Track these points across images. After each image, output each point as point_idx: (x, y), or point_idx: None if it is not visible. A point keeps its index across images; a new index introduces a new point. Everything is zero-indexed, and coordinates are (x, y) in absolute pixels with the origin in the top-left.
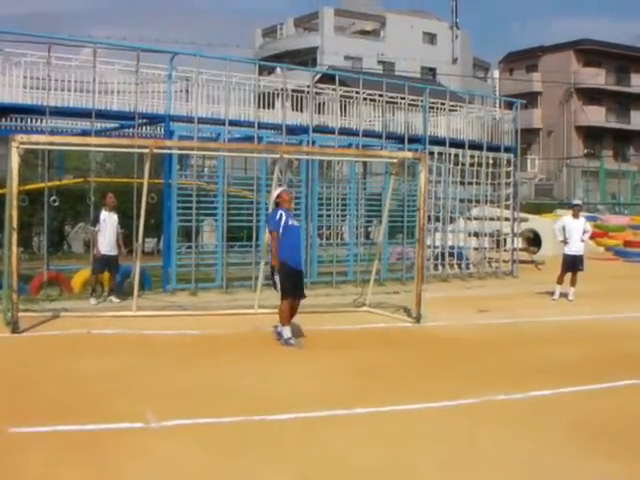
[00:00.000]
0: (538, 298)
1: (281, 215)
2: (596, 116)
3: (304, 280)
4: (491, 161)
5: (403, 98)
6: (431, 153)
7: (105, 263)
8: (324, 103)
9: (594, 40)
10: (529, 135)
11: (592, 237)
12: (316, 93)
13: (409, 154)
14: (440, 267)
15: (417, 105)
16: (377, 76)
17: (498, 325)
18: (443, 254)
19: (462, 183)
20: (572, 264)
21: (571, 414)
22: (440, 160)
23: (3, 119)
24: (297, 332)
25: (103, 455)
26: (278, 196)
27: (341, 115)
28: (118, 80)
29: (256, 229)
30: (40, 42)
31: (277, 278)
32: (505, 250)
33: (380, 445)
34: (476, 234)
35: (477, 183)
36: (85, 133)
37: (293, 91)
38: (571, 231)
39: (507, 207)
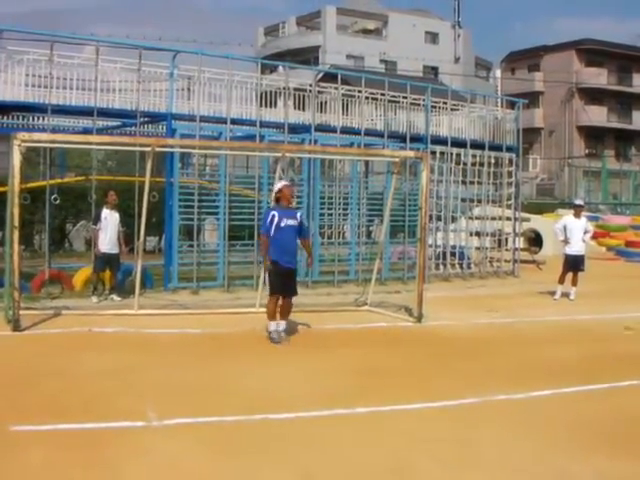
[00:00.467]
0: (539, 298)
1: (273, 216)
2: (598, 116)
3: (296, 278)
4: (493, 160)
5: (405, 97)
6: (433, 152)
7: (106, 261)
8: (326, 102)
9: (596, 40)
10: (531, 135)
11: (594, 237)
12: (318, 92)
13: (411, 153)
14: (441, 266)
15: (419, 104)
16: (379, 75)
17: (499, 325)
18: (444, 253)
19: (464, 182)
20: (573, 264)
21: (572, 414)
22: (442, 159)
23: (5, 117)
24: (291, 330)
25: (104, 454)
26: (279, 191)
27: (343, 114)
28: (120, 78)
29: (258, 228)
30: (42, 40)
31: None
32: (506, 250)
33: (381, 444)
34: (477, 234)
35: (479, 182)
36: (87, 131)
37: (295, 90)
38: (572, 231)
39: (509, 207)
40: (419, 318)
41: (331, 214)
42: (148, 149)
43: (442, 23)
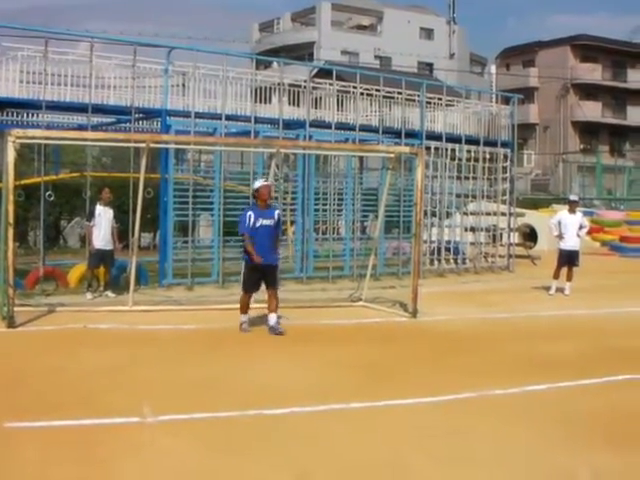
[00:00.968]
0: (534, 293)
1: (249, 217)
2: (592, 111)
3: (276, 272)
4: (488, 156)
5: (400, 93)
6: (428, 148)
7: (100, 258)
8: (321, 98)
9: (591, 35)
10: (525, 130)
11: (588, 232)
12: (313, 88)
13: (406, 149)
14: (436, 262)
15: (414, 100)
16: (374, 71)
17: (494, 320)
18: (439, 249)
19: (459, 178)
20: (568, 259)
21: (568, 408)
22: (437, 155)
23: None
24: (285, 326)
25: (99, 450)
26: (256, 190)
27: (338, 110)
28: (115, 74)
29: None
30: (37, 36)
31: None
32: (501, 245)
33: (376, 439)
34: (472, 229)
35: (474, 178)
36: (81, 128)
37: (290, 86)
38: (567, 226)
39: (503, 202)
40: (414, 313)
41: (326, 210)
42: (143, 145)
43: (437, 19)
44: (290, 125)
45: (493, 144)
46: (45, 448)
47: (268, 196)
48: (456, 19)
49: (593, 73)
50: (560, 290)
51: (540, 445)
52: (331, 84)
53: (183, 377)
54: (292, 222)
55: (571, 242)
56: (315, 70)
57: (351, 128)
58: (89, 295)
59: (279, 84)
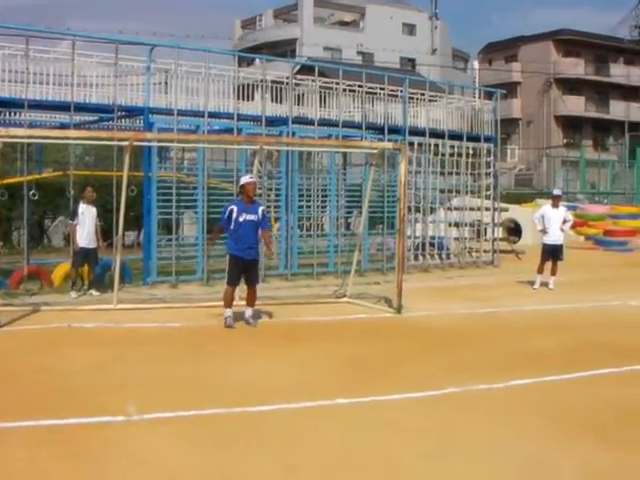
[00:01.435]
0: (519, 287)
1: (231, 211)
2: (575, 106)
3: (257, 268)
4: (471, 151)
5: (382, 89)
6: (411, 144)
7: (84, 256)
8: (303, 94)
9: (573, 30)
10: (509, 125)
11: (573, 226)
12: (295, 84)
13: (389, 145)
14: (421, 257)
15: (397, 96)
16: (356, 67)
17: (479, 315)
18: (424, 244)
19: (442, 173)
20: (551, 253)
21: (553, 403)
22: (420, 151)
23: None
24: (270, 323)
25: (85, 449)
26: (241, 186)
27: (320, 106)
28: (97, 73)
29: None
30: (18, 35)
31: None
32: (485, 240)
33: (363, 435)
34: (456, 224)
35: (457, 173)
36: (64, 126)
37: (272, 82)
38: (550, 220)
39: (487, 197)
40: (398, 309)
41: (310, 206)
42: (126, 143)
43: (419, 15)
44: (273, 122)
45: (476, 139)
46: (32, 447)
47: (252, 192)
48: (438, 15)
49: (576, 68)
50: (544, 284)
51: (526, 439)
52: (314, 80)
53: (168, 375)
54: (276, 219)
55: (554, 236)
56: (297, 67)
57: (334, 124)
58: (73, 294)
59: (261, 81)
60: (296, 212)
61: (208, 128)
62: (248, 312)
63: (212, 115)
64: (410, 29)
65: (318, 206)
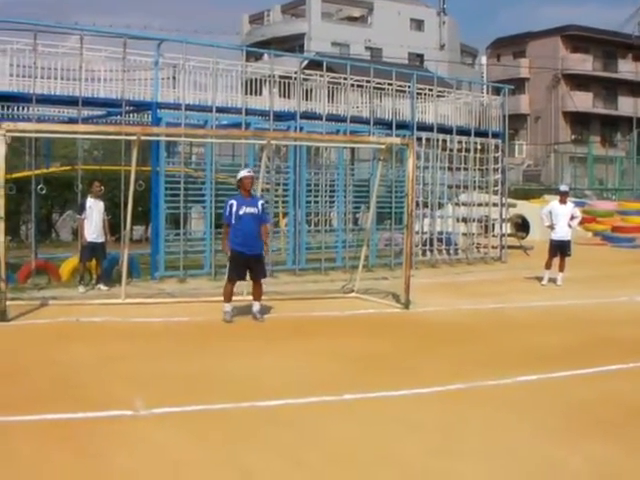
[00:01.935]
0: (526, 283)
1: (231, 206)
2: (583, 102)
3: (263, 262)
4: (479, 147)
5: (391, 84)
6: (419, 139)
7: (92, 251)
8: (311, 89)
9: (581, 26)
10: (517, 121)
11: (581, 222)
12: (303, 79)
13: (397, 140)
14: (428, 253)
15: (405, 91)
16: (364, 62)
17: (487, 310)
18: (431, 240)
19: (450, 169)
20: (558, 249)
21: (560, 399)
22: (428, 146)
23: None
24: (278, 318)
25: (93, 443)
26: (239, 180)
27: (328, 101)
28: (105, 67)
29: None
30: (26, 29)
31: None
32: (493, 236)
33: (370, 431)
34: (464, 220)
35: (465, 169)
36: (72, 121)
37: (280, 77)
38: (558, 216)
39: (495, 193)
40: (406, 304)
41: (317, 201)
42: (134, 138)
43: (427, 10)
44: (281, 117)
45: (484, 135)
46: (39, 442)
47: (251, 186)
48: (446, 10)
49: (584, 64)
50: (552, 280)
51: (533, 436)
52: (322, 76)
53: (176, 370)
54: (284, 214)
55: (562, 232)
56: (306, 62)
57: (342, 119)
58: (81, 288)
59: (270, 76)
60: (304, 207)
61: (216, 123)
62: (255, 307)
63: (220, 110)
64: (418, 24)
65: (326, 201)
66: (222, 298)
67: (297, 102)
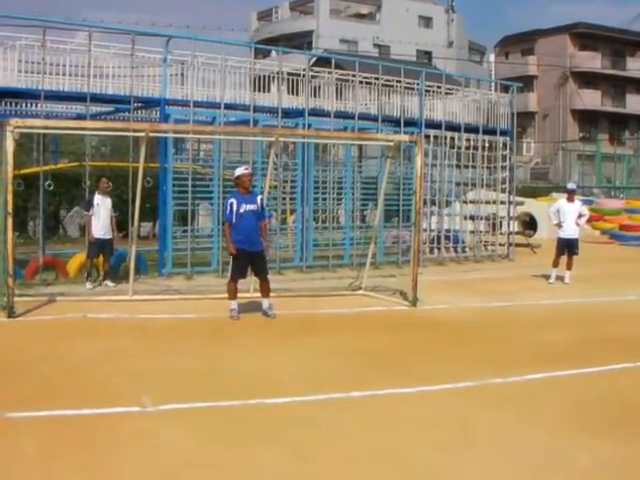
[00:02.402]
0: (534, 281)
1: (231, 204)
2: (592, 100)
3: (265, 259)
4: (487, 144)
5: (399, 81)
6: (427, 136)
7: (100, 247)
8: (320, 86)
9: (590, 24)
10: (525, 118)
11: (588, 221)
12: (312, 76)
13: (405, 137)
14: (436, 250)
15: (413, 88)
16: (373, 59)
17: (494, 308)
18: (439, 237)
19: (458, 166)
20: (566, 247)
21: (568, 397)
22: (436, 143)
23: None
24: (286, 315)
25: (99, 439)
26: (237, 177)
27: (337, 98)
28: (113, 64)
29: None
30: (35, 25)
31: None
32: (501, 233)
33: (377, 429)
34: (472, 217)
35: (473, 166)
36: (80, 117)
37: (289, 74)
38: (565, 214)
39: (503, 190)
40: (414, 302)
41: (325, 198)
42: (142, 134)
43: (436, 7)
44: (289, 114)
45: (492, 132)
46: (46, 438)
47: (249, 183)
48: (455, 7)
49: (592, 61)
50: (560, 279)
51: (541, 434)
52: (330, 73)
53: (183, 366)
54: (292, 211)
55: (569, 230)
56: (314, 59)
57: (350, 117)
58: (89, 285)
59: (278, 73)
60: (312, 204)
61: (224, 120)
62: (265, 304)
63: (228, 107)
64: (426, 22)
65: (334, 198)
66: (227, 296)
67: (305, 99)
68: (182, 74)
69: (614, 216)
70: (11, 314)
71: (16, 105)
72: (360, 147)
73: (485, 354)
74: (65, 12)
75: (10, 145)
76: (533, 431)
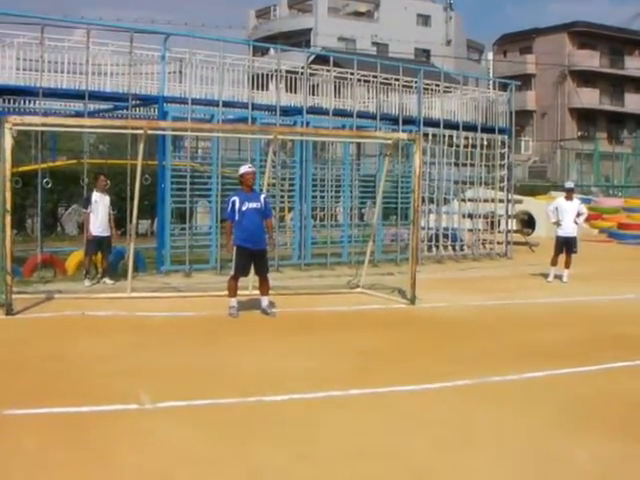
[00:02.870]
0: (532, 280)
1: (234, 202)
2: (590, 98)
3: (266, 257)
4: (485, 143)
5: (397, 79)
6: (425, 134)
7: (98, 245)
8: (318, 84)
9: (588, 22)
10: (523, 117)
11: (587, 219)
12: (310, 74)
13: (403, 135)
14: (434, 248)
15: (411, 86)
16: (371, 57)
17: (492, 306)
18: (437, 236)
19: (456, 164)
20: (565, 246)
21: (566, 395)
22: (434, 141)
23: None
24: (284, 313)
25: (98, 437)
26: (241, 176)
27: (335, 96)
28: (111, 61)
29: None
30: (33, 23)
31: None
32: (499, 232)
33: (376, 426)
34: (470, 216)
35: (471, 165)
36: (78, 114)
37: (287, 72)
38: (564, 213)
39: (501, 189)
40: (412, 300)
41: (323, 196)
42: (140, 132)
43: (434, 5)
44: (287, 112)
45: (491, 131)
46: (44, 435)
47: (252, 181)
48: (453, 6)
49: (591, 60)
50: (558, 277)
51: (539, 432)
52: (328, 70)
53: (182, 364)
54: (290, 209)
55: (568, 229)
56: (312, 57)
57: (348, 115)
58: (87, 282)
59: (276, 71)
60: (310, 202)
61: (222, 117)
62: (264, 302)
63: (226, 104)
64: (425, 20)
65: (332, 196)
66: (227, 293)
67: (303, 97)
68: (180, 72)
69: (612, 215)
70: (9, 311)
71: (14, 102)
72: (358, 145)
73: (483, 352)
74: (63, 10)
75: (8, 142)
76: (531, 429)
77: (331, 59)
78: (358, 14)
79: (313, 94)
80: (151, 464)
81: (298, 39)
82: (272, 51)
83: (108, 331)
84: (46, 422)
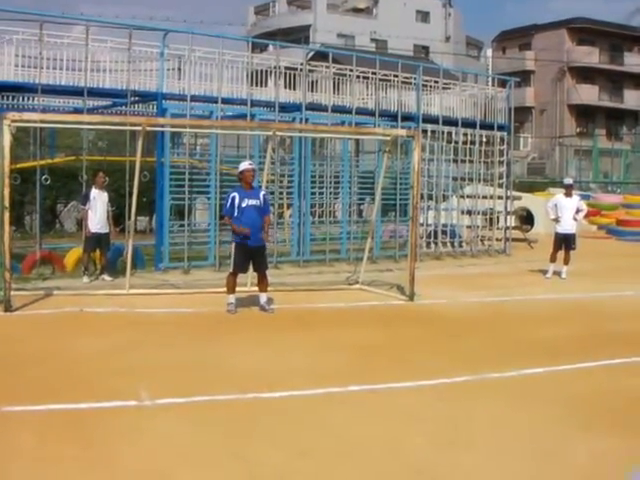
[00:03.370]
0: (531, 276)
1: (233, 198)
2: (589, 95)
3: (265, 254)
4: (484, 139)
5: (396, 76)
6: (424, 131)
7: (96, 241)
8: (317, 81)
9: (587, 18)
10: (522, 113)
11: (586, 216)
12: (309, 71)
13: (402, 132)
14: (433, 245)
15: (410, 83)
16: (370, 54)
17: (491, 303)
18: (436, 232)
19: (455, 161)
20: (564, 242)
21: (566, 392)
22: (433, 138)
23: None
24: (283, 309)
25: (97, 434)
26: (240, 172)
27: (334, 93)
28: (110, 58)
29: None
30: (32, 20)
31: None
32: (498, 228)
33: (375, 423)
34: (469, 212)
35: (470, 161)
36: (77, 111)
37: (286, 69)
38: (563, 209)
39: (500, 185)
40: (411, 296)
41: (322, 193)
42: (139, 128)
43: (433, 2)
44: (286, 108)
45: (489, 127)
46: (43, 432)
47: (252, 178)
48: (452, 2)
49: (590, 56)
50: (557, 273)
51: (538, 428)
52: (327, 67)
53: (180, 360)
54: (289, 205)
55: (567, 225)
56: (311, 53)
57: (347, 111)
58: (86, 279)
59: (275, 67)
60: (309, 199)
61: (221, 114)
62: (262, 299)
63: (225, 101)
64: (424, 16)
65: (331, 193)
66: (225, 289)
67: (302, 93)
68: (179, 68)
69: (611, 211)
70: (8, 308)
71: (13, 99)
72: (357, 141)
73: (482, 348)
74: (62, 6)
75: (7, 139)
76: (530, 425)
77: (330, 55)
78: (357, 10)
79: (312, 90)
80: (150, 460)
81: (297, 36)
82: (271, 48)
83: (107, 328)
84: (45, 419)
